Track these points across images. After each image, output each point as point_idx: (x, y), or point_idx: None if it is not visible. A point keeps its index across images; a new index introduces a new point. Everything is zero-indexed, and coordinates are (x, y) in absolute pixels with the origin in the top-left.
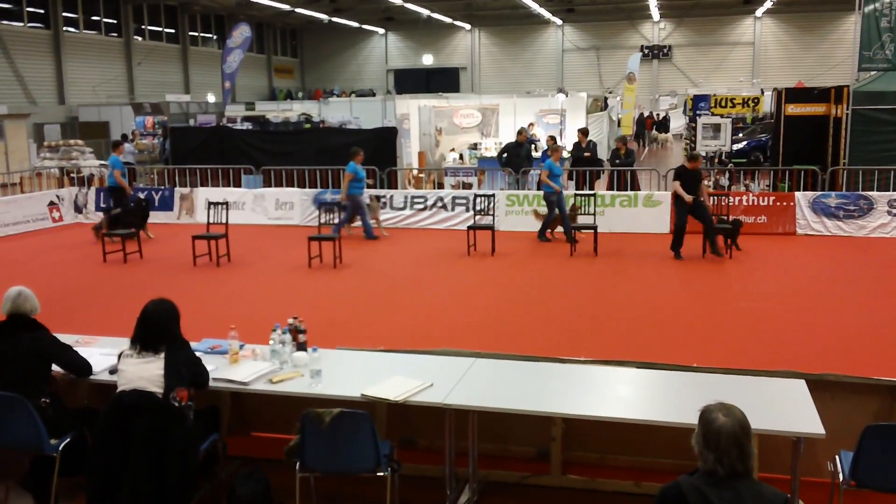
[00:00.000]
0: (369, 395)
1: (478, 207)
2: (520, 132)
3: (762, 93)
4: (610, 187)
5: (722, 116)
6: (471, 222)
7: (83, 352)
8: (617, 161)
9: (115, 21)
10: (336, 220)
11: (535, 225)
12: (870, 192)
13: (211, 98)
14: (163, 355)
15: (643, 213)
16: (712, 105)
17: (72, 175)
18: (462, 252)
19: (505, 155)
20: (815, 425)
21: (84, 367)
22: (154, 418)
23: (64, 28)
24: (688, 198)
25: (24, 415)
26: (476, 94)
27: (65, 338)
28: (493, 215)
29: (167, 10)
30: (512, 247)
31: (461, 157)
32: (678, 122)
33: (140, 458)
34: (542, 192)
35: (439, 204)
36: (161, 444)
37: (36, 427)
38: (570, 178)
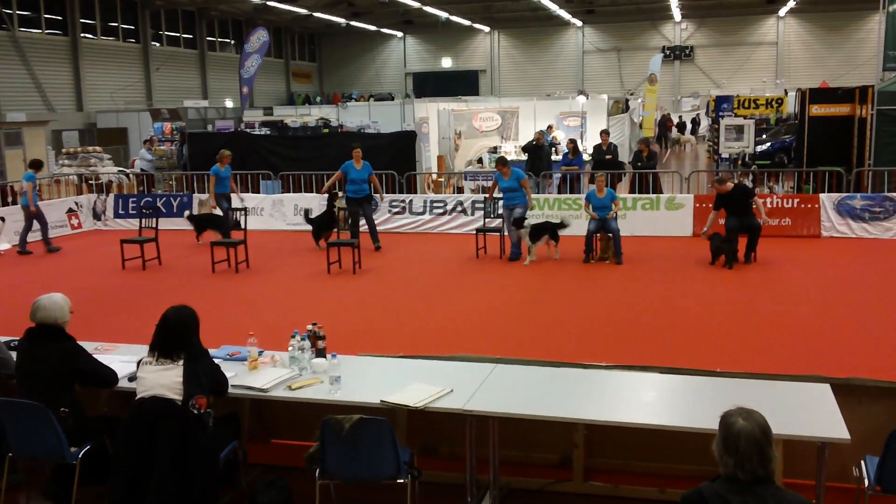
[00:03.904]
0: (389, 401)
1: (499, 211)
2: (536, 136)
3: (786, 93)
4: (632, 190)
5: (745, 117)
6: (483, 225)
7: (102, 359)
8: (639, 164)
9: (132, 27)
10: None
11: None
12: (895, 194)
13: (229, 103)
14: (181, 362)
15: (665, 216)
16: (735, 106)
17: (90, 182)
18: (483, 257)
19: (526, 154)
20: (840, 430)
21: (110, 377)
22: (175, 425)
23: (82, 34)
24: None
25: (45, 423)
26: (496, 96)
27: (84, 345)
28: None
29: (185, 16)
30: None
31: (480, 160)
32: (706, 123)
33: (163, 465)
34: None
35: (459, 208)
36: (184, 451)
37: (56, 435)
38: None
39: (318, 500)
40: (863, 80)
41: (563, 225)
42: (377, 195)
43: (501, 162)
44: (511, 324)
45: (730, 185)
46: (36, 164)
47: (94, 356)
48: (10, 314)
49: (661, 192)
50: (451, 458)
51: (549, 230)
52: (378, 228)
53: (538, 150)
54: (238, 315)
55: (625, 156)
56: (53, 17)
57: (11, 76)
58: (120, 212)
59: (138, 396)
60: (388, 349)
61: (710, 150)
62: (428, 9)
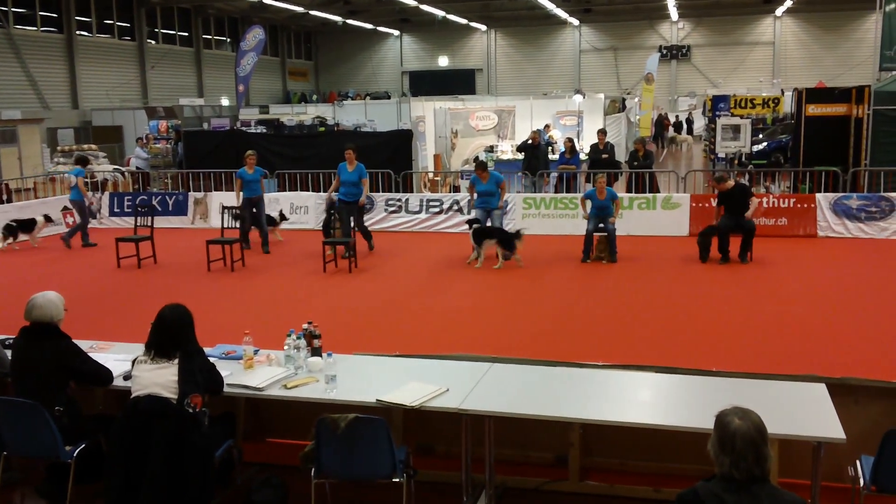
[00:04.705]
0: (385, 400)
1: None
2: (532, 135)
3: (782, 93)
4: (628, 190)
5: (742, 117)
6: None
7: (97, 358)
8: (635, 163)
9: (128, 25)
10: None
11: (554, 228)
12: (891, 194)
13: (225, 101)
14: (177, 361)
15: (662, 215)
16: (732, 106)
17: (85, 180)
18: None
19: (522, 152)
20: (836, 430)
21: (106, 376)
22: (171, 424)
23: (77, 32)
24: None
25: (40, 422)
26: (492, 95)
27: (79, 344)
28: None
29: (180, 14)
30: (529, 250)
31: (476, 159)
32: (700, 123)
33: (158, 464)
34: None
35: (455, 207)
36: (179, 450)
37: (52, 434)
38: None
39: (314, 500)
40: (859, 80)
41: (517, 235)
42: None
43: (481, 167)
44: (507, 323)
45: (730, 182)
46: (81, 160)
47: (90, 354)
48: (5, 312)
49: (658, 192)
50: (447, 458)
51: (497, 237)
52: (374, 227)
53: (534, 150)
54: (233, 313)
55: (621, 155)
56: (49, 14)
57: (6, 74)
58: (115, 210)
59: (133, 395)
60: (384, 348)
61: (707, 150)
62: (425, 7)
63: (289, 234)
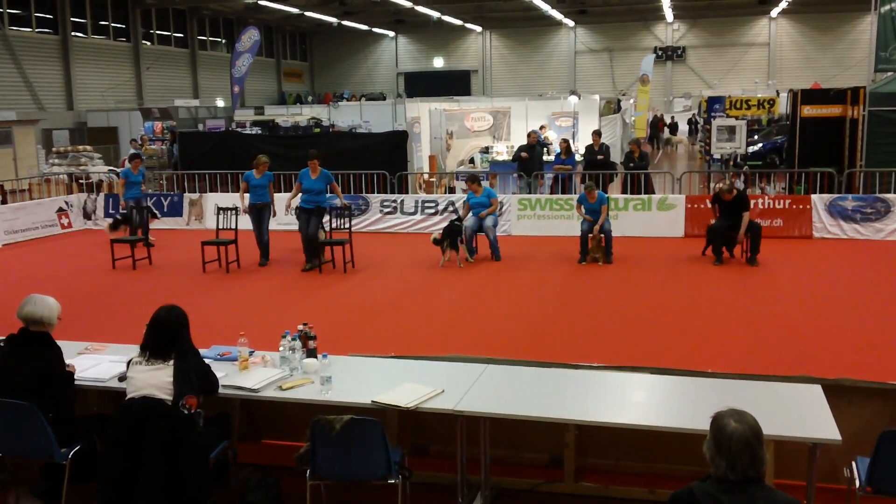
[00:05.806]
0: (380, 401)
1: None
2: (529, 135)
3: (777, 94)
4: (623, 191)
5: (737, 118)
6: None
7: (92, 359)
8: (630, 164)
9: (123, 26)
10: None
11: (549, 229)
12: (887, 195)
13: (220, 102)
14: (172, 362)
15: (657, 216)
16: (727, 107)
17: (80, 181)
18: (475, 257)
19: (524, 154)
20: (831, 431)
21: (68, 404)
22: (165, 425)
23: (72, 33)
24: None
25: (34, 422)
26: (487, 96)
27: (74, 345)
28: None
29: (176, 15)
30: (524, 251)
31: (472, 160)
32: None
33: (152, 465)
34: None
35: (450, 208)
36: (174, 451)
37: (46, 435)
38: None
39: (309, 501)
40: (854, 81)
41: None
42: (336, 201)
43: (474, 180)
44: (502, 324)
45: (735, 191)
46: (130, 158)
47: (85, 356)
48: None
49: (653, 193)
50: (442, 459)
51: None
52: (370, 228)
53: (530, 150)
54: (228, 315)
55: (616, 156)
56: (44, 15)
57: (1, 75)
58: (110, 211)
59: (128, 396)
60: (379, 349)
61: (702, 151)
62: (420, 8)
63: (285, 235)
